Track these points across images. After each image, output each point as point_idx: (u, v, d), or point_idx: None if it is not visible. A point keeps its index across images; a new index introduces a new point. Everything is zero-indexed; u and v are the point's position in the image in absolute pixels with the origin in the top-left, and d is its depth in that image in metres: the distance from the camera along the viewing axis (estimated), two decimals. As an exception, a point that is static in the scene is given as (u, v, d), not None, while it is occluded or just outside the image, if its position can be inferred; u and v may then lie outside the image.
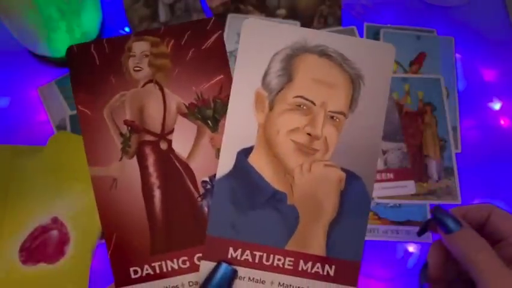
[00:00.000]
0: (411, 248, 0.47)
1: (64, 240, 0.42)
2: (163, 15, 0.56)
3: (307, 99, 0.31)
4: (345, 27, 0.55)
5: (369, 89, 0.31)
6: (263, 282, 0.30)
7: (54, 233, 0.42)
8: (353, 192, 0.31)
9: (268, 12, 0.56)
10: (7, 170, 0.43)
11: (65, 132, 0.49)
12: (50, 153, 0.45)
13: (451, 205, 0.49)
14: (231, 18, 0.55)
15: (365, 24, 0.55)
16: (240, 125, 0.31)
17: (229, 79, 0.33)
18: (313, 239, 0.30)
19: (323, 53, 0.31)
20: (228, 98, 0.33)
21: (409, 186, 0.48)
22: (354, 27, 0.55)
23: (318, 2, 0.57)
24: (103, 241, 0.45)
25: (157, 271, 0.32)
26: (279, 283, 0.30)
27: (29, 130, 0.50)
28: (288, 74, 0.31)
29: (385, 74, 0.31)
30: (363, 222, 0.31)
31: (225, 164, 0.31)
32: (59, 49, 0.49)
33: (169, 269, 0.31)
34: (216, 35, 0.34)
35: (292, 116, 0.31)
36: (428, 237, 0.47)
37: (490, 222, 0.30)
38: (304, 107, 0.31)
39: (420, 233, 0.31)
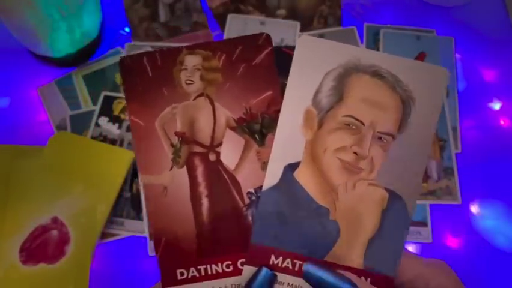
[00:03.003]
0: (411, 248, 0.47)
1: (64, 240, 0.42)
2: (163, 15, 0.56)
3: (356, 119, 0.31)
4: (345, 28, 0.55)
5: (420, 112, 0.31)
6: None
7: (55, 232, 0.42)
8: (394, 212, 0.31)
9: (268, 12, 0.56)
10: (7, 170, 0.43)
11: (65, 132, 0.49)
12: (50, 153, 0.45)
13: (451, 205, 0.49)
14: (231, 18, 0.55)
15: (365, 24, 0.55)
16: (289, 140, 0.32)
17: (278, 95, 0.34)
18: (352, 253, 0.31)
19: (376, 73, 0.31)
20: (276, 114, 0.33)
21: (409, 186, 0.48)
22: (354, 28, 0.55)
23: (318, 2, 0.57)
24: (103, 241, 0.46)
25: (202, 273, 0.33)
26: None
27: (29, 130, 0.50)
28: (339, 94, 0.31)
29: (437, 98, 0.31)
30: (401, 240, 0.31)
31: (272, 177, 0.32)
32: (60, 49, 0.49)
33: (214, 272, 0.33)
34: (266, 51, 0.34)
35: (340, 135, 0.31)
36: (427, 237, 0.47)
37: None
38: (353, 127, 0.31)
39: None
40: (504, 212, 0.50)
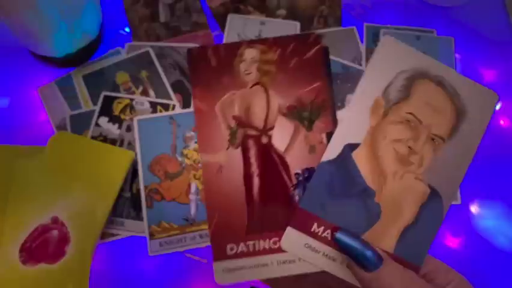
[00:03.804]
0: (411, 248, 0.47)
1: (64, 240, 0.42)
2: (163, 15, 0.56)
3: (416, 118, 0.35)
4: (345, 28, 0.55)
5: (469, 126, 0.36)
6: (334, 259, 0.34)
7: (55, 232, 0.42)
8: (432, 208, 0.35)
9: (268, 12, 0.56)
10: (7, 170, 0.43)
11: (65, 132, 0.49)
12: (50, 153, 0.45)
13: (451, 205, 0.49)
14: (231, 18, 0.55)
15: (365, 24, 0.55)
16: (355, 122, 0.36)
17: (325, 86, 0.38)
18: (387, 236, 0.34)
19: (440, 83, 0.36)
20: (323, 103, 0.38)
21: (409, 186, 0.48)
22: (354, 28, 0.55)
23: (318, 2, 0.57)
24: (103, 241, 0.46)
25: (250, 249, 0.36)
26: (348, 263, 0.34)
27: (29, 130, 0.50)
28: (406, 92, 0.36)
29: (485, 117, 0.37)
30: (433, 235, 0.35)
31: (332, 152, 0.36)
32: (60, 49, 0.49)
33: (261, 248, 0.36)
34: (316, 47, 0.39)
35: (400, 128, 0.35)
36: (428, 237, 0.47)
37: (425, 276, 0.33)
38: (412, 124, 0.35)
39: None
40: (504, 212, 0.50)
